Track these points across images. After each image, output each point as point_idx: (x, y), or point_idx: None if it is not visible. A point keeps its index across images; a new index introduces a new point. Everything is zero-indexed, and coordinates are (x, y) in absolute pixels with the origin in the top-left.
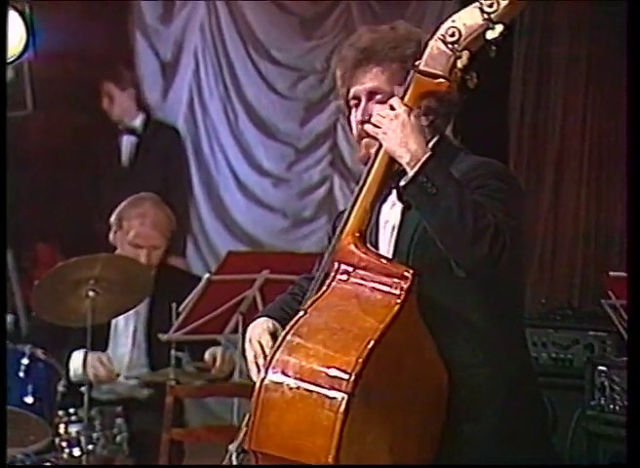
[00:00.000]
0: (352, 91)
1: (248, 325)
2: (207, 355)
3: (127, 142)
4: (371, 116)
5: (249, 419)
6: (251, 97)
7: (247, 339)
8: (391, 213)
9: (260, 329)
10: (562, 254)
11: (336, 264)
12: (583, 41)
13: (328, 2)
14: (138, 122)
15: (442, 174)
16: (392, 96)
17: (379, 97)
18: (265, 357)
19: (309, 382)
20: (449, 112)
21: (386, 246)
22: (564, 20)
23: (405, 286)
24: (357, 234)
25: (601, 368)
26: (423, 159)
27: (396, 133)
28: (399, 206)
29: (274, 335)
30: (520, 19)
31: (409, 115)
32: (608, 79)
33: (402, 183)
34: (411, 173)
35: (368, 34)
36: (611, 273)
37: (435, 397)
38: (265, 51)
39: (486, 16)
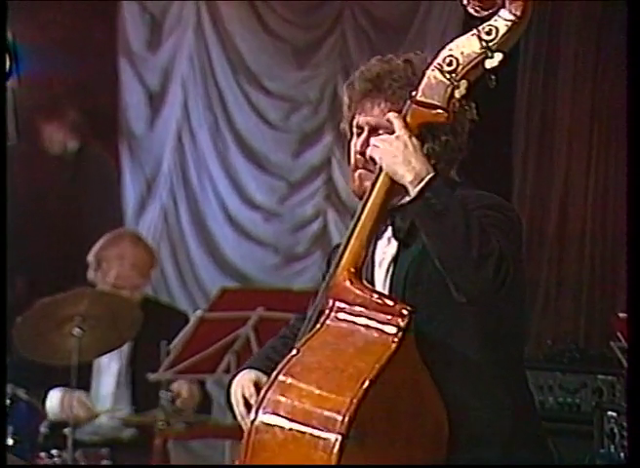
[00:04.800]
0: (357, 119)
1: (241, 364)
2: (175, 385)
3: (62, 172)
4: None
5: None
6: (241, 128)
7: (232, 395)
8: (387, 250)
9: (242, 381)
10: (567, 295)
11: (330, 301)
12: (589, 72)
13: (322, 29)
14: (68, 150)
15: (447, 193)
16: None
17: (381, 131)
18: (250, 408)
19: (302, 423)
20: (453, 158)
21: (382, 284)
22: (570, 50)
23: (402, 323)
24: (352, 270)
25: (610, 413)
26: (428, 177)
27: (398, 152)
28: (394, 243)
29: (257, 386)
30: (525, 49)
31: (410, 137)
32: (614, 111)
33: (405, 200)
34: (417, 188)
35: (379, 65)
36: (620, 314)
37: (435, 436)
38: (257, 80)
39: (484, 43)
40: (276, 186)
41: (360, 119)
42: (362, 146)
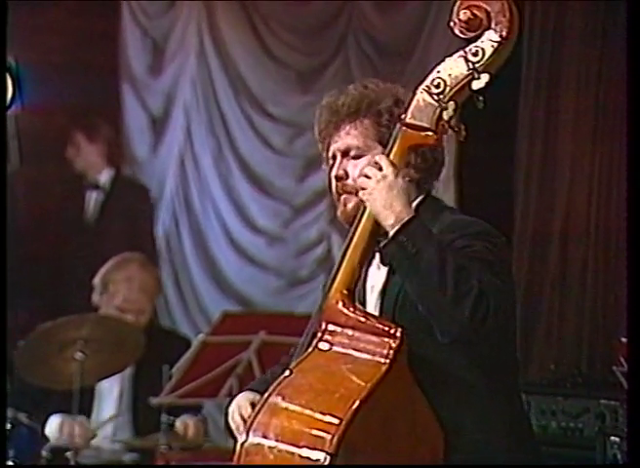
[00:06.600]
0: (330, 150)
1: (244, 388)
2: (178, 423)
3: (90, 198)
4: (346, 172)
5: None
6: (245, 153)
7: (229, 414)
8: (377, 276)
9: (240, 402)
10: (570, 320)
11: (323, 324)
12: (591, 93)
13: (325, 55)
14: (103, 178)
15: (423, 235)
16: (365, 150)
17: (352, 152)
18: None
19: (291, 444)
20: (433, 168)
21: (373, 309)
22: (572, 73)
23: (394, 345)
24: (345, 292)
25: (614, 438)
26: (405, 219)
27: (382, 195)
28: (384, 269)
29: (255, 407)
30: (527, 69)
31: (396, 176)
32: (617, 129)
33: (382, 243)
34: (392, 232)
35: (339, 94)
36: (622, 339)
37: (431, 455)
38: (260, 105)
39: (471, 65)
40: (280, 211)
41: (332, 148)
42: (337, 170)
